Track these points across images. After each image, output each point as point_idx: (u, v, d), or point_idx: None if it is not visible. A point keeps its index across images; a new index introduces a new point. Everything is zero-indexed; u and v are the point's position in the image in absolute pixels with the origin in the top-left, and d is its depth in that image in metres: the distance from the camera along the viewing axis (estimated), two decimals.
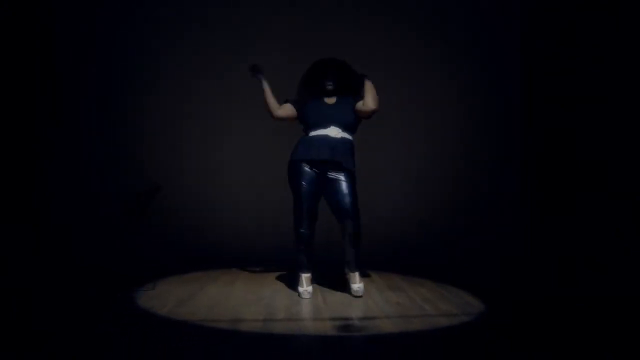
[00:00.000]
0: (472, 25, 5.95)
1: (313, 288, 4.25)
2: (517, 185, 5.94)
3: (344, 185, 4.12)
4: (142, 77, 5.83)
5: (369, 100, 4.17)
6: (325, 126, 4.13)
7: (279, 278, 4.83)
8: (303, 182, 4.13)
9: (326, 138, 4.11)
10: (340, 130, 4.13)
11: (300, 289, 4.16)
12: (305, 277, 4.19)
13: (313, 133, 4.16)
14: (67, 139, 5.79)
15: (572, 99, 5.43)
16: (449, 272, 5.20)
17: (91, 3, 5.82)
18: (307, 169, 4.13)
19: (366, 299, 4.10)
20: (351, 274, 4.21)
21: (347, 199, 4.12)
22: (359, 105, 4.21)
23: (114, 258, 5.35)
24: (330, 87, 4.21)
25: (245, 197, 5.89)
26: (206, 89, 5.87)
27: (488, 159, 5.95)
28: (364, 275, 4.34)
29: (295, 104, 4.27)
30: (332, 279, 4.57)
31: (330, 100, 4.27)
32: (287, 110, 4.28)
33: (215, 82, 5.84)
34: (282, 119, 4.29)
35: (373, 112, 4.19)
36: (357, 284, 4.16)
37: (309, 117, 4.19)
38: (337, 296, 4.19)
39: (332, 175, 4.13)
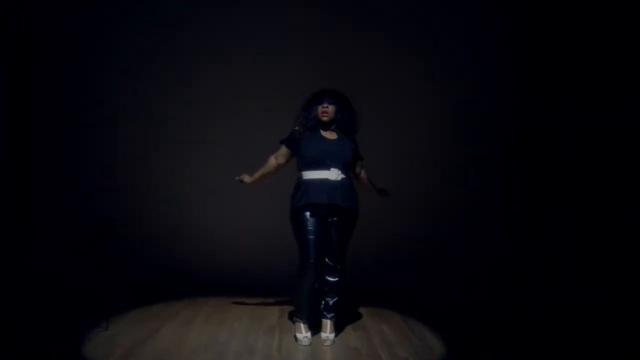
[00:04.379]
0: (455, 27, 5.76)
1: (271, 329, 4.20)
2: (499, 197, 5.79)
3: (339, 233, 4.01)
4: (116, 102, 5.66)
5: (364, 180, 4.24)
6: (326, 167, 3.93)
7: (242, 313, 4.70)
8: (307, 229, 3.92)
9: (326, 182, 3.91)
10: (340, 173, 3.94)
11: (299, 335, 4.00)
12: (304, 325, 4.03)
13: (312, 175, 3.95)
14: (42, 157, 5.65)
15: (557, 101, 5.41)
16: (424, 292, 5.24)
17: (69, 8, 5.62)
18: (309, 215, 3.93)
19: (324, 342, 4.00)
20: (323, 320, 4.11)
21: (337, 251, 4.05)
22: (357, 169, 4.19)
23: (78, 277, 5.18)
24: (326, 108, 3.99)
25: (216, 220, 5.70)
26: (181, 104, 5.69)
27: (469, 166, 5.78)
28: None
29: (290, 142, 4.07)
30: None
31: (331, 136, 4.04)
32: (285, 155, 4.11)
33: (191, 99, 5.67)
34: (285, 164, 4.14)
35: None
36: (326, 334, 4.07)
37: (309, 155, 3.97)
38: (292, 340, 4.02)
39: (331, 219, 3.98)
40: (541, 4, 5.61)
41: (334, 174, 3.92)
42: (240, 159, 5.54)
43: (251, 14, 5.69)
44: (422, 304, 5.07)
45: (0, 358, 3.63)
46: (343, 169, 3.96)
